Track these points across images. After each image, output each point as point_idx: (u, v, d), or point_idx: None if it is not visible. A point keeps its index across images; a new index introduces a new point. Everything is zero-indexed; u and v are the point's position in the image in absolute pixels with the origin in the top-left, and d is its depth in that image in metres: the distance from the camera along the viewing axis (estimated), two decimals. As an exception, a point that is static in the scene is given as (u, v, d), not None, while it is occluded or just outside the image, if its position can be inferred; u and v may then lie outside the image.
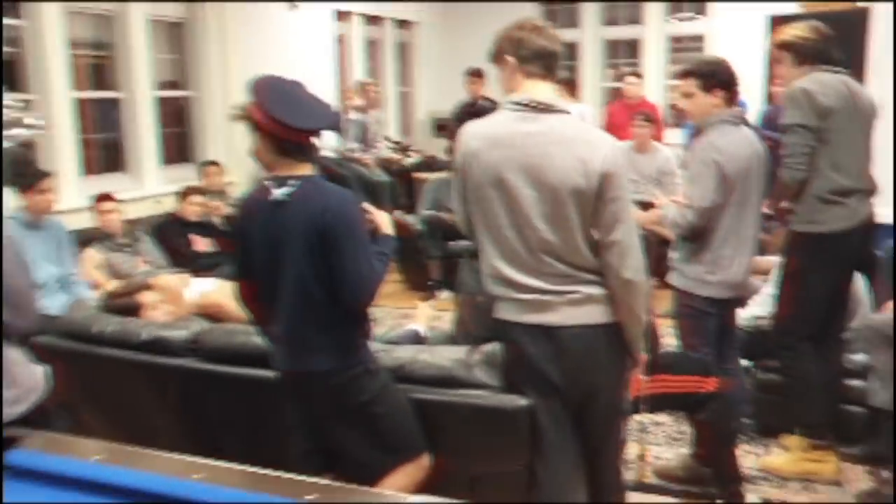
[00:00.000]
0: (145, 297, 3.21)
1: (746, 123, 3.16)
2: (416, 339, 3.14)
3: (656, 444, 3.56)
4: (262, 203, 2.26)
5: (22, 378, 2.06)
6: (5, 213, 4.03)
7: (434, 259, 6.06)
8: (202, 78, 6.35)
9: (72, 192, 5.15)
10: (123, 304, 3.15)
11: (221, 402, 2.71)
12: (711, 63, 3.06)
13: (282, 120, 2.16)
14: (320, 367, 2.26)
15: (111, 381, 2.90)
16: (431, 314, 3.47)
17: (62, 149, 5.13)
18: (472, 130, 2.28)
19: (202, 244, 5.39)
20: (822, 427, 3.25)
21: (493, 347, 2.42)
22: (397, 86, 8.96)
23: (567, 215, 2.15)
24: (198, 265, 5.20)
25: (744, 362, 3.56)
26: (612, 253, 2.19)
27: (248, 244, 2.30)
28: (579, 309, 2.20)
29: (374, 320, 3.00)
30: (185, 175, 6.11)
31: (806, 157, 3.01)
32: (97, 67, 5.67)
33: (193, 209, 5.39)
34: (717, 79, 3.00)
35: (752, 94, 7.19)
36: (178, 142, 6.45)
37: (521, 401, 2.29)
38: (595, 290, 2.21)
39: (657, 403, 2.82)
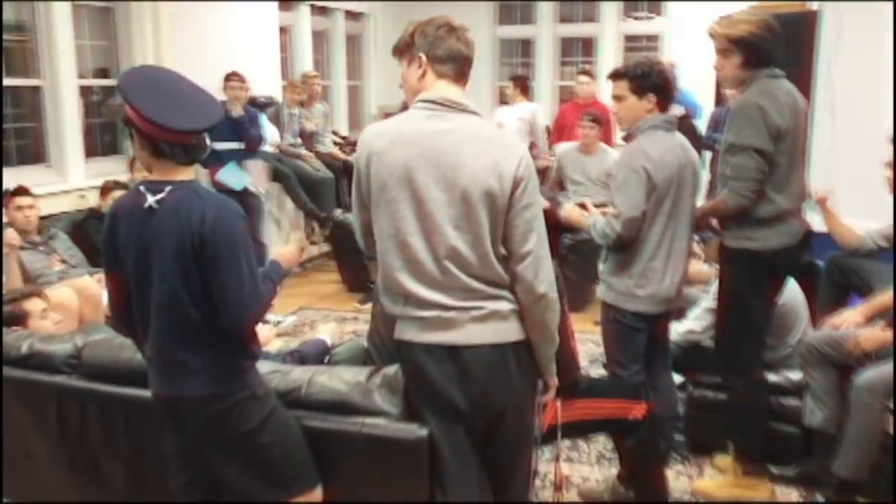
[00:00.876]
0: (31, 305, 2.95)
1: (688, 129, 3.00)
2: (324, 350, 2.93)
3: (585, 463, 3.40)
4: (133, 209, 2.04)
5: None
6: None
7: (373, 260, 5.84)
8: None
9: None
10: (7, 312, 2.89)
11: (103, 425, 2.47)
12: (645, 65, 2.88)
13: (152, 119, 1.94)
14: (194, 391, 2.04)
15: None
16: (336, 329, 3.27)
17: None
18: (375, 129, 2.09)
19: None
20: (758, 450, 3.11)
21: (395, 369, 2.23)
22: (346, 79, 8.71)
23: (478, 220, 1.98)
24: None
25: (677, 377, 3.42)
26: (524, 265, 2.02)
27: (117, 256, 2.07)
28: (485, 326, 2.02)
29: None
30: (115, 168, 5.81)
31: (755, 181, 2.77)
32: (15, 52, 5.34)
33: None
34: (651, 82, 2.84)
35: (706, 97, 7.12)
36: (109, 133, 6.14)
37: (421, 431, 2.10)
38: (502, 306, 2.04)
39: (579, 429, 2.65)
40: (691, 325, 3.42)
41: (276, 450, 2.11)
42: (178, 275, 1.97)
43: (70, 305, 3.68)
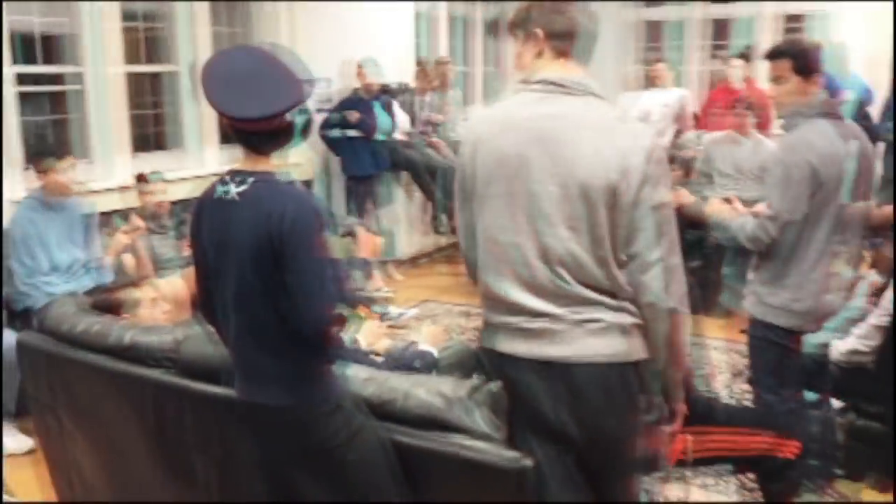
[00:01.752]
0: (141, 294, 2.90)
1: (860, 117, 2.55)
2: (431, 362, 2.70)
3: (722, 493, 3.00)
4: (213, 202, 1.88)
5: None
6: (25, 192, 3.84)
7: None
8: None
9: (125, 170, 4.97)
10: (103, 300, 2.84)
11: (197, 424, 2.35)
12: (807, 44, 2.46)
13: (213, 105, 1.78)
14: (272, 400, 1.87)
15: (86, 388, 2.60)
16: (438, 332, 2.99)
17: (114, 124, 4.94)
18: (482, 114, 1.86)
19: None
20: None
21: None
22: (484, 65, 8.47)
23: (597, 220, 1.70)
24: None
25: (836, 403, 2.96)
26: (651, 275, 1.72)
27: (202, 248, 1.93)
28: (602, 340, 1.74)
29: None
30: (248, 154, 5.85)
31: None
32: (150, 40, 5.46)
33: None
34: (817, 61, 2.41)
35: (880, 80, 6.35)
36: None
37: (527, 461, 1.83)
38: (623, 319, 1.75)
39: (714, 464, 2.29)
40: (856, 343, 2.94)
41: (362, 469, 1.90)
42: (256, 272, 1.80)
43: (179, 295, 3.65)
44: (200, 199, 1.94)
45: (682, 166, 5.79)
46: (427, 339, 2.75)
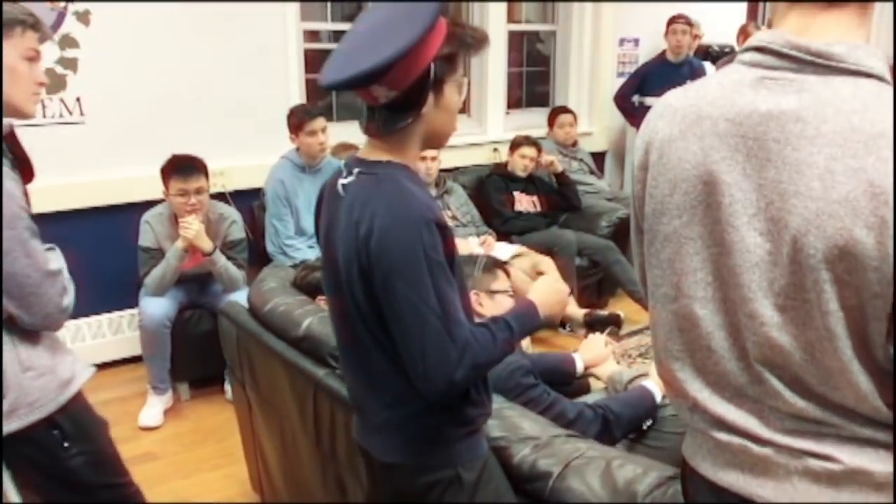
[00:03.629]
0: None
1: None
2: (650, 407, 2.08)
3: None
4: (331, 190, 1.49)
5: (19, 386, 1.62)
6: (281, 153, 3.81)
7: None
8: (571, 9, 5.57)
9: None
10: (304, 278, 2.62)
11: (349, 444, 2.03)
12: None
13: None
14: (378, 453, 1.46)
15: (265, 371, 2.42)
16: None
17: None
18: (668, 100, 1.18)
19: (525, 202, 4.72)
20: None
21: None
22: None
23: (824, 298, 0.98)
24: (513, 226, 4.57)
25: None
26: None
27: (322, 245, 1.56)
28: (833, 491, 1.03)
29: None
30: (535, 121, 5.45)
31: None
32: None
33: (523, 162, 4.71)
34: None
35: None
36: (541, 83, 5.80)
37: None
38: (875, 465, 1.02)
39: None
40: None
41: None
42: (354, 296, 1.38)
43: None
44: (329, 180, 1.56)
45: None
46: (657, 378, 2.13)
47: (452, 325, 1.30)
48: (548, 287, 1.63)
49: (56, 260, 1.65)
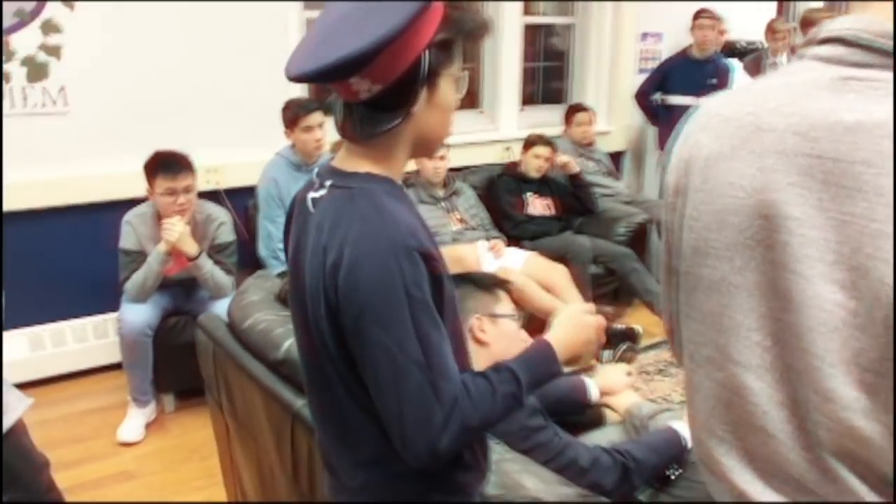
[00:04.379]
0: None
1: None
2: (676, 450, 1.82)
3: None
4: (300, 201, 1.25)
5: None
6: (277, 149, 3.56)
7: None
8: (591, 2, 5.28)
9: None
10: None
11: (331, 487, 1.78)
12: None
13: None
14: None
15: (241, 393, 2.18)
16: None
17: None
18: (715, 107, 0.91)
19: (538, 205, 4.45)
20: None
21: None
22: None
23: None
24: (524, 230, 4.30)
25: None
26: None
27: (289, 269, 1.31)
28: None
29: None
30: (550, 119, 5.18)
31: None
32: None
33: (536, 162, 4.44)
34: None
35: None
36: (556, 78, 5.53)
37: None
38: None
39: None
40: None
41: None
42: (321, 330, 1.14)
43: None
44: (299, 191, 1.31)
45: None
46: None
47: (438, 378, 1.05)
48: (572, 321, 1.34)
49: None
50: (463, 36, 1.14)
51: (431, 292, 1.09)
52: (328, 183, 1.16)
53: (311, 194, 1.19)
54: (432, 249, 1.12)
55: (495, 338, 1.69)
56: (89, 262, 3.57)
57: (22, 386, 3.56)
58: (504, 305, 1.77)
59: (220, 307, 3.13)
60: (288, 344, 2.01)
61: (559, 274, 3.86)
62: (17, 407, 1.52)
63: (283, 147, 3.50)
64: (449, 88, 1.16)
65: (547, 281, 3.80)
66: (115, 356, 3.63)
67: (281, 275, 2.92)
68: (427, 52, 1.10)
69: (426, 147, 1.21)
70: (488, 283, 1.77)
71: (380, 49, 1.03)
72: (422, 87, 1.12)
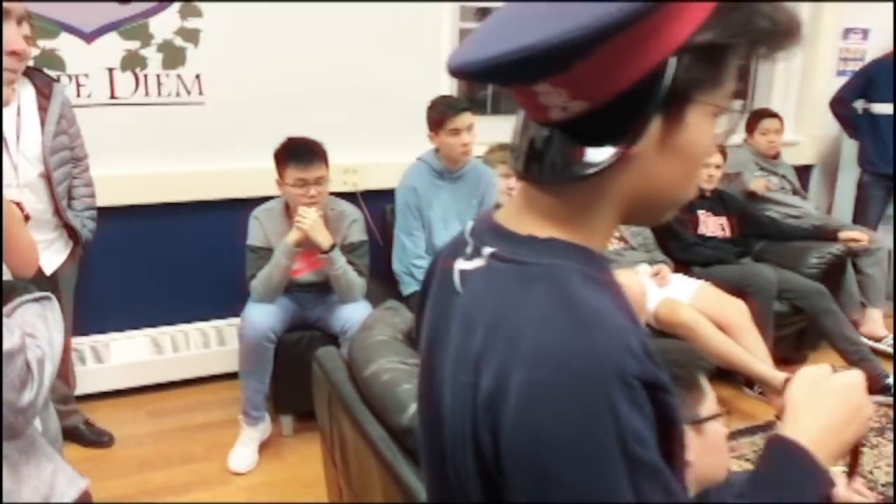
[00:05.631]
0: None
1: None
2: None
3: None
4: (442, 271, 0.82)
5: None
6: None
7: None
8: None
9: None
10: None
11: None
12: None
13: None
14: None
15: (354, 449, 1.80)
16: None
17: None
18: None
19: (711, 225, 3.85)
20: None
21: None
22: None
23: None
24: (696, 254, 3.72)
25: None
26: None
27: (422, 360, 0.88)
28: None
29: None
30: (728, 125, 4.53)
31: None
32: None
33: (708, 174, 3.82)
34: None
35: None
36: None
37: None
38: None
39: None
40: None
41: None
42: (462, 474, 0.74)
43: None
44: (443, 256, 0.87)
45: None
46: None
47: None
48: (842, 406, 0.91)
49: (12, 335, 1.06)
50: (751, 41, 0.68)
51: (660, 440, 0.64)
52: (487, 250, 0.73)
53: (461, 264, 0.76)
54: (658, 373, 0.66)
55: (700, 452, 1.20)
56: (212, 263, 3.34)
57: (141, 389, 3.44)
58: (709, 404, 1.28)
59: (349, 314, 2.81)
60: (416, 408, 1.61)
61: (737, 310, 3.27)
62: (67, 492, 1.18)
63: (426, 151, 3.11)
64: (704, 124, 0.70)
65: (721, 318, 3.22)
66: (236, 364, 3.39)
67: (411, 296, 2.54)
68: (674, 60, 0.64)
69: (650, 208, 0.76)
70: (691, 375, 1.27)
71: (587, 41, 0.59)
72: (654, 113, 0.66)
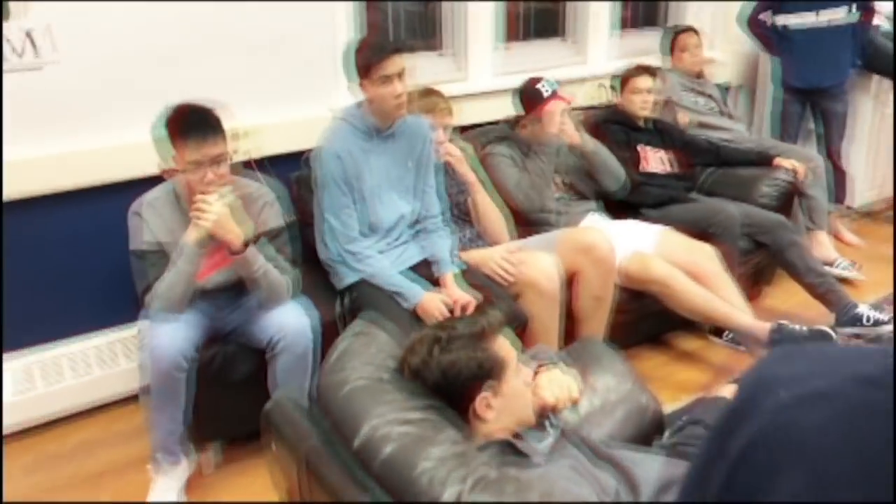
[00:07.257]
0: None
1: None
2: None
3: None
4: None
5: None
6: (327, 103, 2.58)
7: None
8: None
9: (484, 70, 3.62)
10: (439, 363, 1.46)
11: None
12: None
13: None
14: None
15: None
16: None
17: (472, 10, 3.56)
18: None
19: (653, 160, 3.48)
20: None
21: None
22: None
23: None
24: (645, 194, 3.35)
25: None
26: None
27: None
28: None
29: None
30: (648, 46, 4.17)
31: None
32: None
33: (642, 100, 3.44)
34: None
35: None
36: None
37: None
38: None
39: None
40: None
41: None
42: None
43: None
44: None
45: None
46: None
47: None
48: None
49: None
50: None
51: None
52: None
53: None
54: None
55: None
56: (88, 265, 2.69)
57: (9, 437, 2.73)
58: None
59: (278, 322, 2.27)
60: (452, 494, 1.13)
61: (706, 256, 2.95)
62: None
63: (346, 107, 2.53)
64: None
65: (691, 267, 2.89)
66: (130, 384, 2.75)
67: (349, 289, 2.00)
68: None
69: None
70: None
71: None
72: None
